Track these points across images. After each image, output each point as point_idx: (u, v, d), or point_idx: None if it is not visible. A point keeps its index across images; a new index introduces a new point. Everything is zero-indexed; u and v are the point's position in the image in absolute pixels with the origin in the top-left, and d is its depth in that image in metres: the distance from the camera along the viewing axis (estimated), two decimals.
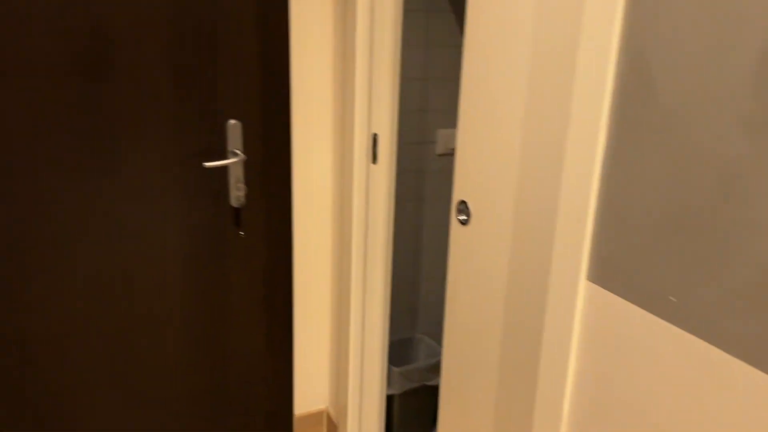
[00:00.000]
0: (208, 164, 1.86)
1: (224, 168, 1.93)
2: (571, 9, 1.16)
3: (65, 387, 1.93)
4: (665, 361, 1.04)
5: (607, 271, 1.12)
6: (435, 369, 2.44)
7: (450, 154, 2.44)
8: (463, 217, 1.56)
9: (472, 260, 1.55)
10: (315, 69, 2.00)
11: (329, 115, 2.06)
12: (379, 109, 1.96)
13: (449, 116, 2.39)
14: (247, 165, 1.97)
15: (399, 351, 2.58)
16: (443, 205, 2.51)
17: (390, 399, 2.41)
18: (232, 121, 1.91)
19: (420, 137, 2.37)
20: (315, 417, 2.36)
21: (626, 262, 1.08)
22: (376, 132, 1.98)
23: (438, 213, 2.50)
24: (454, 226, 1.60)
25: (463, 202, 1.56)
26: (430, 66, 2.29)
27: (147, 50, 1.76)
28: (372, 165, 2.01)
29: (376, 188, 2.03)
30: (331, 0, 1.97)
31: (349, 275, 2.12)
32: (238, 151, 1.93)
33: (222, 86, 1.87)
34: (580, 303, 1.17)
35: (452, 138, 2.42)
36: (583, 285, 1.17)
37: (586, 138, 1.10)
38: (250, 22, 1.86)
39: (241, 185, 1.97)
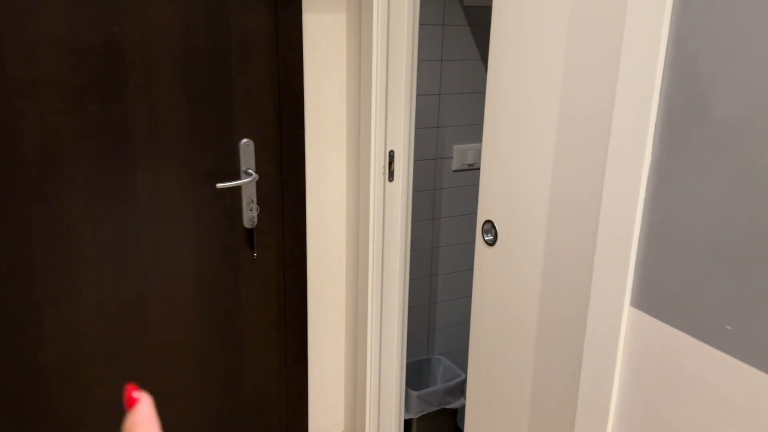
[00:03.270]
0: (220, 185, 1.80)
1: (237, 188, 1.87)
2: (612, 13, 1.10)
3: (78, 416, 1.85)
4: (720, 393, 0.97)
5: (655, 296, 1.05)
6: (454, 392, 2.36)
7: (466, 170, 2.38)
8: (490, 238, 1.50)
9: (500, 282, 1.48)
10: (329, 86, 1.94)
11: (343, 133, 2.00)
12: (395, 126, 1.90)
13: (465, 131, 2.33)
14: (260, 185, 1.91)
15: (416, 373, 2.51)
16: (460, 223, 2.44)
17: (408, 423, 2.33)
18: (245, 141, 1.85)
19: (435, 153, 2.31)
20: None
21: (676, 288, 1.01)
22: (393, 149, 1.92)
23: (454, 231, 2.43)
24: (480, 247, 1.53)
25: (489, 222, 1.49)
26: (444, 80, 2.24)
27: (160, 71, 1.71)
28: (388, 183, 1.94)
29: (393, 207, 1.97)
30: (345, 17, 1.92)
31: (365, 296, 2.06)
32: (251, 171, 1.87)
33: (235, 106, 1.81)
34: (623, 330, 1.10)
35: (468, 154, 2.36)
36: (628, 311, 1.10)
37: (631, 154, 1.04)
38: (263, 41, 1.81)
39: (254, 206, 1.91)
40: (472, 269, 2.53)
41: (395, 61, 1.84)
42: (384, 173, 1.92)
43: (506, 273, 1.45)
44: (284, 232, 2.00)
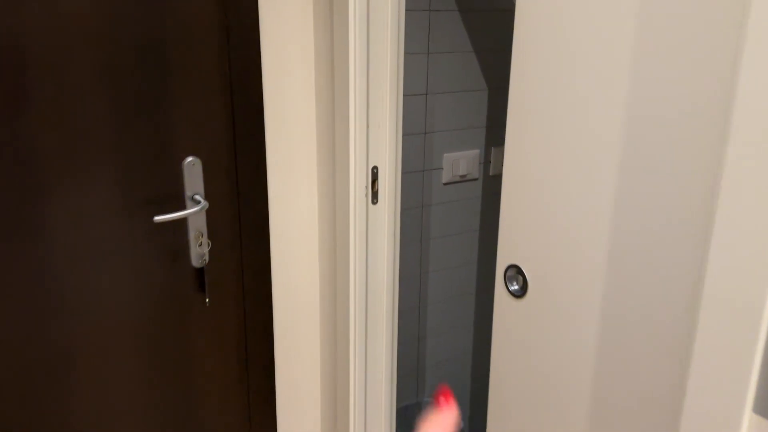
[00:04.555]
0: (158, 218, 1.41)
1: (182, 220, 1.48)
2: None
3: None
4: None
5: None
6: None
7: (458, 182, 2.03)
8: (515, 288, 1.14)
9: (532, 347, 1.12)
10: (294, 88, 1.56)
11: (314, 146, 1.62)
12: (378, 136, 1.53)
13: (456, 137, 1.98)
14: (212, 214, 1.52)
15: (403, 421, 2.15)
16: (451, 244, 2.08)
17: None
18: (190, 159, 1.46)
19: (422, 164, 1.94)
20: None
21: None
22: (376, 165, 1.55)
23: (445, 254, 2.08)
24: (502, 298, 1.18)
25: (513, 268, 1.13)
26: (432, 77, 1.88)
27: (77, 74, 1.30)
28: (371, 206, 1.57)
29: (378, 235, 1.60)
30: (311, 3, 1.53)
31: (346, 342, 1.68)
32: (199, 197, 1.48)
33: (175, 115, 1.42)
34: None
35: (461, 163, 2.00)
36: (749, 419, 0.75)
37: (761, 183, 0.68)
38: (209, 34, 1.42)
39: (205, 240, 1.52)
40: (464, 296, 2.19)
41: (377, 55, 1.47)
42: (366, 194, 1.55)
43: (541, 335, 1.10)
44: (243, 270, 1.61)
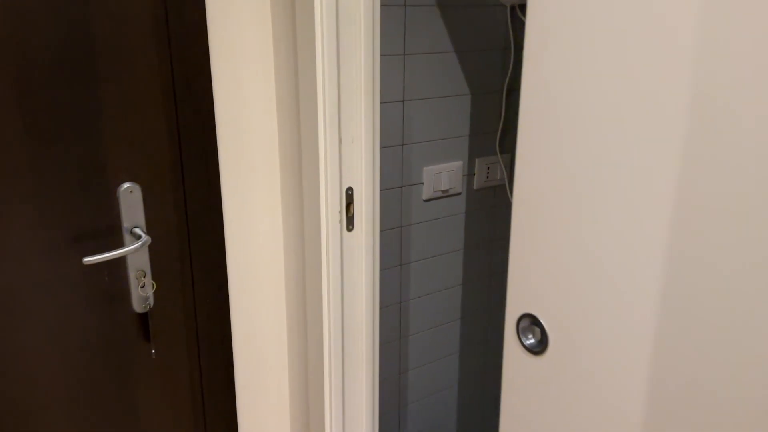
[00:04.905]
0: (88, 260, 1.16)
1: (120, 259, 1.23)
2: None
3: None
4: None
5: None
6: None
7: (440, 198, 1.81)
8: (531, 342, 0.92)
9: (554, 416, 0.91)
10: (251, 96, 1.32)
11: (276, 165, 1.39)
12: (353, 152, 1.31)
13: (437, 148, 1.76)
14: (156, 249, 1.28)
15: None
16: (434, 267, 1.87)
17: None
18: (127, 186, 1.21)
19: (400, 179, 1.72)
20: None
21: None
22: (351, 186, 1.33)
23: (427, 278, 1.86)
24: (515, 353, 0.96)
25: (528, 317, 0.92)
26: (409, 82, 1.66)
27: None
28: (346, 233, 1.35)
29: (354, 266, 1.37)
30: None
31: (321, 386, 1.45)
32: (139, 231, 1.23)
33: (106, 133, 1.17)
34: None
35: (442, 177, 1.79)
36: None
37: None
38: (147, 35, 1.17)
39: (148, 281, 1.27)
40: (449, 323, 1.98)
41: (350, 56, 1.24)
42: (340, 220, 1.32)
43: (566, 401, 0.88)
44: (197, 313, 1.37)
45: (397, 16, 1.58)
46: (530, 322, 0.92)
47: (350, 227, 1.35)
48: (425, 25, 1.64)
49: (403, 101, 1.66)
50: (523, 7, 1.76)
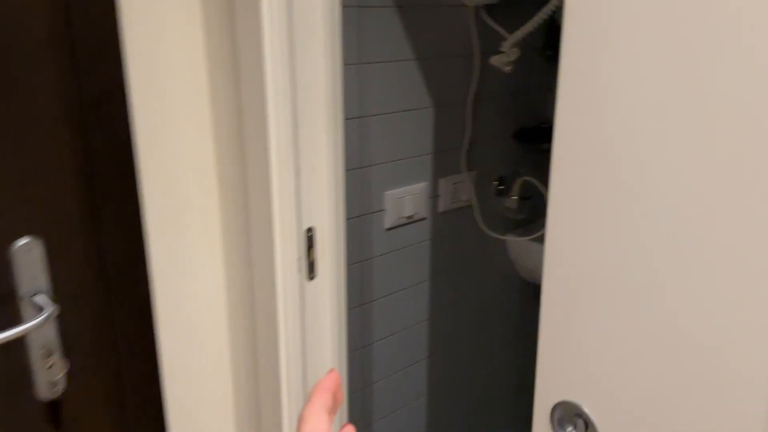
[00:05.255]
0: None
1: (18, 337, 0.94)
2: None
3: None
4: None
5: None
6: None
7: (405, 225, 1.59)
8: None
9: None
10: (182, 119, 1.06)
11: (216, 202, 1.13)
12: (313, 184, 1.06)
13: (399, 170, 1.54)
14: (66, 320, 1.00)
15: None
16: (398, 305, 1.64)
17: None
18: (24, 241, 0.93)
19: (360, 207, 1.49)
20: None
21: None
22: (312, 225, 1.08)
23: (392, 317, 1.63)
24: None
25: (566, 406, 0.70)
26: (367, 96, 1.43)
27: None
28: (307, 282, 1.10)
29: (317, 320, 1.13)
30: None
31: None
32: (42, 299, 0.95)
33: None
34: None
35: (406, 202, 1.57)
36: None
37: None
38: (45, 51, 0.90)
39: (57, 359, 0.99)
40: (415, 364, 1.76)
41: (308, 66, 1.00)
42: (299, 269, 1.08)
43: None
44: (121, 396, 1.09)
45: (350, 19, 1.35)
46: (570, 413, 0.71)
47: (312, 275, 1.11)
48: (382, 29, 1.41)
49: (360, 118, 1.43)
50: (489, 8, 1.56)
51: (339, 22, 1.00)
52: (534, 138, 1.84)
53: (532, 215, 1.88)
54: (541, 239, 1.82)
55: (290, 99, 0.99)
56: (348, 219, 1.46)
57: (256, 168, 1.03)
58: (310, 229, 1.08)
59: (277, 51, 0.95)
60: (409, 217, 1.59)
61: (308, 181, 1.05)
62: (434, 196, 1.64)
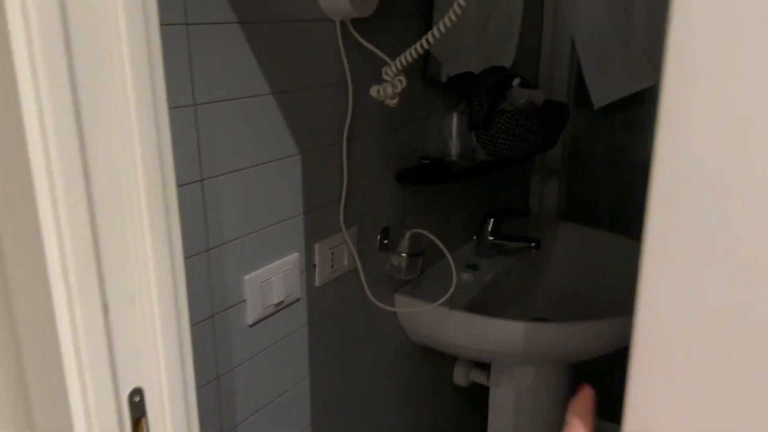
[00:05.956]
0: None
1: None
2: None
3: None
4: None
5: None
6: None
7: (272, 315, 1.18)
8: None
9: None
10: None
11: None
12: (135, 322, 0.63)
13: (262, 243, 1.13)
14: None
15: None
16: (273, 420, 1.23)
17: None
18: None
19: (210, 305, 1.06)
20: None
21: None
22: (139, 386, 0.65)
23: None
24: None
25: None
26: (207, 150, 1.01)
27: None
28: None
29: None
30: None
31: None
32: None
33: None
34: None
35: (273, 285, 1.16)
36: None
37: None
38: None
39: None
40: None
41: (107, 123, 0.58)
42: None
43: None
44: None
45: (176, 42, 0.93)
46: None
47: None
48: (223, 54, 1.00)
49: (202, 181, 1.01)
50: (357, 23, 1.21)
51: (158, 52, 0.59)
52: (417, 179, 1.51)
53: (423, 270, 1.56)
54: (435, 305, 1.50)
55: (81, 187, 0.56)
56: (194, 325, 1.03)
57: (29, 308, 0.59)
58: (136, 391, 0.65)
59: (47, 104, 0.52)
60: (278, 304, 1.18)
61: (124, 319, 0.62)
62: (309, 267, 1.25)
